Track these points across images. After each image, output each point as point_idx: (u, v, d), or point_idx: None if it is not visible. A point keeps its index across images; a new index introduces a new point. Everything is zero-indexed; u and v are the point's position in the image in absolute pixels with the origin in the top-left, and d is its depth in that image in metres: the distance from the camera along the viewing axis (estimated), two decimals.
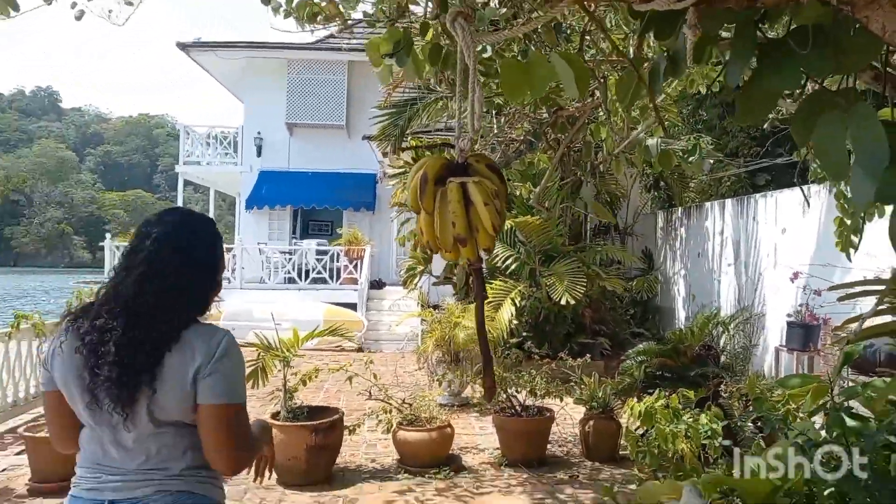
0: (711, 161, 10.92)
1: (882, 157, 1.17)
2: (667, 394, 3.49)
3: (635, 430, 3.54)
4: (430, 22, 1.67)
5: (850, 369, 4.09)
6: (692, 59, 1.53)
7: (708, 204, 9.73)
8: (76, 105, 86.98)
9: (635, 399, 3.74)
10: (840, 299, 1.97)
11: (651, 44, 2.63)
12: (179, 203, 18.18)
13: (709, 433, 2.83)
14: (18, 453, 5.40)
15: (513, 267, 8.88)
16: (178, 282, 1.58)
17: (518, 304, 8.40)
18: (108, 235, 14.09)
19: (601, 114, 3.90)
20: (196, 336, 1.57)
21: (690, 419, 3.00)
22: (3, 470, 5.14)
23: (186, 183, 18.97)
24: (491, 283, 8.90)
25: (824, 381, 2.59)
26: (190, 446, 1.60)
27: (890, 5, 1.22)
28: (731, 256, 8.74)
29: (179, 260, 1.60)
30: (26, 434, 4.85)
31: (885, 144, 1.17)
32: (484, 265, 10.00)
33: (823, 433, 2.09)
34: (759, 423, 2.96)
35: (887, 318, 1.70)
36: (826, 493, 2.09)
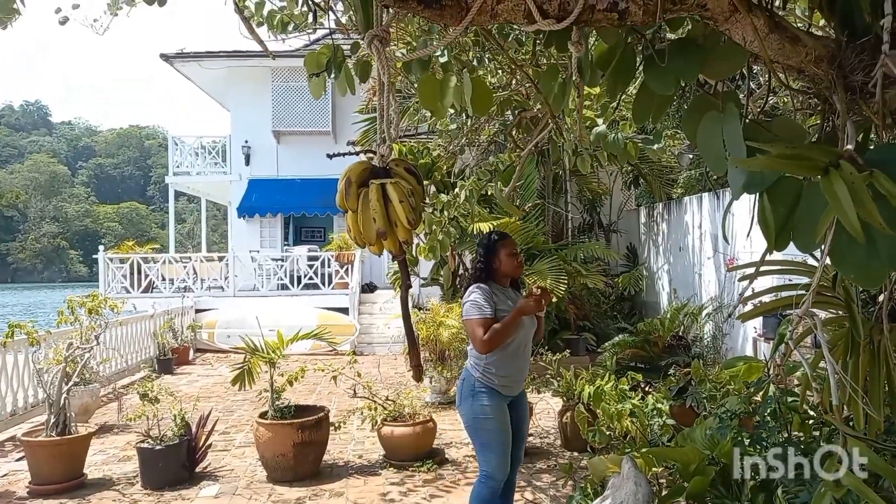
0: (691, 156, 11.14)
1: (738, 153, 1.36)
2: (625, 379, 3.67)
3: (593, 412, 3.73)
4: (360, 42, 1.86)
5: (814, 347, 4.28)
6: (596, 68, 1.72)
7: (686, 198, 9.94)
8: (66, 119, 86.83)
9: (586, 381, 3.91)
10: (740, 279, 2.14)
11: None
12: (171, 214, 18.34)
13: (654, 412, 3.01)
14: (18, 459, 5.57)
15: None
16: (473, 268, 3.40)
17: None
18: (101, 248, 14.22)
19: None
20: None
21: (638, 400, 3.18)
22: (5, 475, 5.30)
23: (178, 193, 19.11)
24: None
25: (761, 362, 2.78)
26: (470, 349, 3.32)
27: (746, 19, 1.41)
28: (710, 250, 8.94)
29: (476, 259, 3.39)
30: (25, 439, 5.03)
31: (741, 141, 1.36)
32: (469, 261, 10.17)
33: (742, 406, 2.27)
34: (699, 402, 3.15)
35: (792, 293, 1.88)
36: (749, 462, 2.28)
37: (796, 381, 2.63)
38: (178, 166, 16.99)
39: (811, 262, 2.01)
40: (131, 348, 9.83)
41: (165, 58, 15.13)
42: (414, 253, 5.98)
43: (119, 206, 65.71)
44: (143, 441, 5.06)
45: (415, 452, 5.39)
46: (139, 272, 13.80)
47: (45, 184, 63.90)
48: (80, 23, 3.93)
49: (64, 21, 3.66)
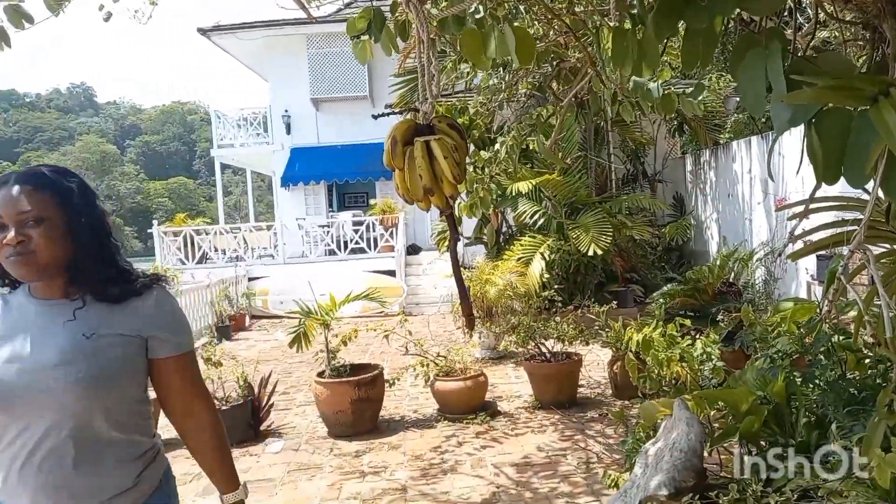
0: (737, 99, 10.75)
1: (780, 89, 1.35)
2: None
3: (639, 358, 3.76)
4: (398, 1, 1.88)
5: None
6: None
7: (734, 143, 9.64)
8: (111, 99, 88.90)
9: (634, 330, 3.93)
10: (789, 219, 2.12)
11: None
12: (218, 186, 18.73)
13: (703, 357, 3.03)
14: None
15: (540, 222, 9.04)
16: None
17: (548, 258, 8.58)
18: (154, 222, 14.73)
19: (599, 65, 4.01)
20: None
21: (687, 345, 3.20)
22: None
23: (224, 166, 19.49)
24: (520, 240, 9.09)
25: (813, 303, 2.75)
26: None
27: None
28: (760, 194, 8.70)
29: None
30: None
31: (781, 77, 1.35)
32: (512, 218, 10.19)
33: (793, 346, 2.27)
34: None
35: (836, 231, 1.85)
36: (804, 402, 2.29)
37: (850, 321, 2.60)
38: (221, 139, 17.29)
39: (865, 197, 1.97)
40: (191, 316, 10.25)
41: (202, 32, 15.28)
42: (456, 212, 6.01)
43: (168, 182, 67.35)
44: None
45: (468, 406, 5.53)
46: (192, 244, 14.26)
47: (96, 164, 65.88)
48: (124, 15, 4.07)
49: (108, 17, 3.79)
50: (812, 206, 1.90)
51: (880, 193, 1.39)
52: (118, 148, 72.64)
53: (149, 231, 14.84)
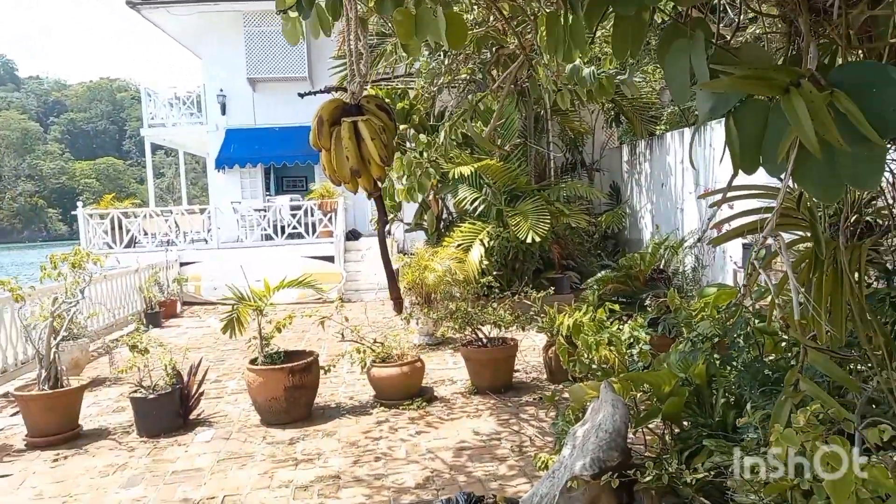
0: None
1: (704, 76, 1.38)
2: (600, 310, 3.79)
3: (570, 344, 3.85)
4: None
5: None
6: None
7: (669, 135, 9.93)
8: (33, 73, 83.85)
9: (566, 315, 4.02)
10: (710, 205, 2.20)
11: None
12: (148, 167, 17.97)
13: (631, 340, 3.13)
14: (13, 415, 5.65)
15: (480, 209, 9.09)
16: None
17: (487, 245, 8.66)
18: (79, 204, 14.00)
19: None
20: None
21: (615, 329, 3.30)
22: (1, 429, 5.39)
23: (155, 147, 18.74)
24: (460, 227, 9.13)
25: (735, 288, 2.87)
26: None
27: None
28: (692, 185, 9.00)
29: None
30: (18, 394, 5.10)
31: (705, 63, 1.38)
32: (452, 205, 10.20)
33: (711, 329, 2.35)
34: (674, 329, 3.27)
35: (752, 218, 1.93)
36: (723, 384, 2.38)
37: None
38: (152, 118, 16.58)
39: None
40: (118, 303, 9.83)
41: (131, 4, 14.55)
42: (395, 197, 5.96)
43: (95, 162, 64.27)
44: (135, 391, 5.14)
45: (404, 392, 5.53)
46: (120, 227, 13.66)
47: (17, 141, 62.17)
48: None
49: None
50: (734, 194, 1.97)
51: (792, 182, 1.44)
52: (41, 125, 68.68)
53: (73, 213, 14.11)
